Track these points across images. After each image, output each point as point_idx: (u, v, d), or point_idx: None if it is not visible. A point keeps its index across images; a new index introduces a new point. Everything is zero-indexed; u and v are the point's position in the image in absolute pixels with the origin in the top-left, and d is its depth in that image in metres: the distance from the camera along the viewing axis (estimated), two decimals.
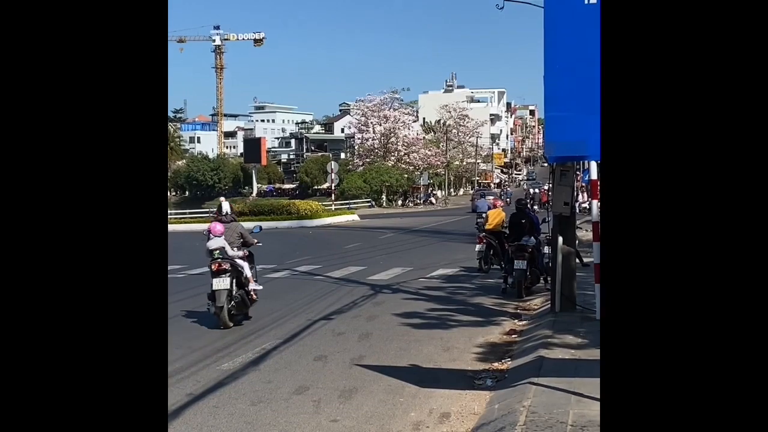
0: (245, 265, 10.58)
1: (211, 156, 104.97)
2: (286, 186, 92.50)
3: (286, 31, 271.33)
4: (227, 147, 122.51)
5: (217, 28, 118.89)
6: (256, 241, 11.01)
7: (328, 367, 7.58)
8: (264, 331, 9.52)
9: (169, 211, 29.62)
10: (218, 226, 10.48)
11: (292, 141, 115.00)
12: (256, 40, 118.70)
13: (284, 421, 5.83)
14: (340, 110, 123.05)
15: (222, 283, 10.04)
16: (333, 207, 50.90)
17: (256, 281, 10.85)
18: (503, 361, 7.65)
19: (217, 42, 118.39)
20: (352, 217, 45.04)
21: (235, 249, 10.49)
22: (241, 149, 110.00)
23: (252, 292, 10.63)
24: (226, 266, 10.18)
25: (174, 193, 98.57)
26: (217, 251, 10.28)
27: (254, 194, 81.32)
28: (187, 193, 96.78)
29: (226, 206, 11.13)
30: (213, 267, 10.21)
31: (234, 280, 10.24)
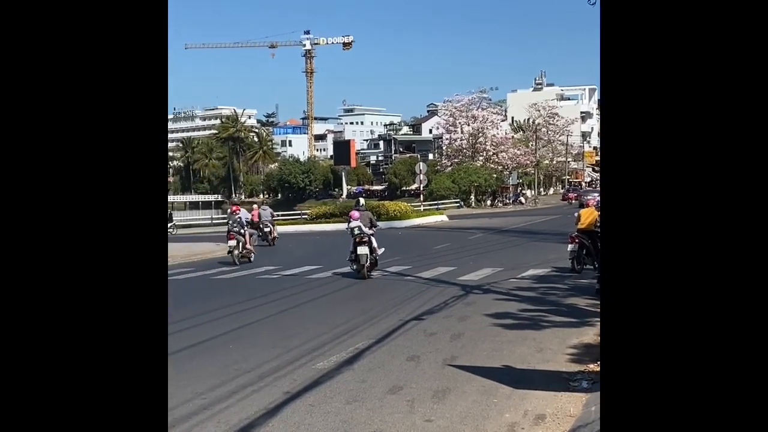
0: (373, 239, 16.17)
1: (302, 159, 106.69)
2: (375, 187, 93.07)
3: (374, 34, 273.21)
4: (317, 150, 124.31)
5: (307, 32, 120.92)
6: (378, 224, 17.70)
7: (420, 367, 7.62)
8: (357, 331, 9.63)
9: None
10: (356, 213, 16.41)
11: (381, 143, 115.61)
12: (345, 44, 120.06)
13: (379, 420, 5.89)
14: (428, 111, 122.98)
15: (363, 250, 15.77)
16: (422, 208, 50.97)
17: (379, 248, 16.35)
18: (599, 362, 7.52)
19: (308, 46, 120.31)
20: (441, 218, 44.94)
21: (366, 228, 16.07)
22: (330, 151, 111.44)
23: (377, 257, 16.39)
24: (365, 239, 15.87)
25: (267, 196, 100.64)
26: (356, 229, 15.92)
27: (344, 196, 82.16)
28: (279, 195, 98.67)
29: (362, 201, 17.99)
30: (356, 239, 15.90)
31: (369, 248, 15.81)
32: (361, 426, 5.77)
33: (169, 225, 39.12)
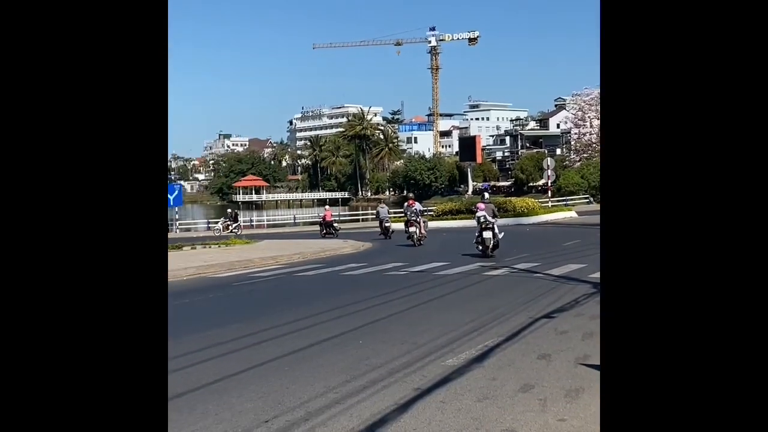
0: (495, 226, 20.37)
1: (427, 155, 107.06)
2: (501, 183, 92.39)
3: (500, 28, 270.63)
4: (443, 146, 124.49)
5: (432, 29, 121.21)
6: (498, 215, 22.17)
7: (552, 366, 7.48)
8: (486, 329, 9.56)
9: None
10: (482, 205, 20.85)
11: (507, 138, 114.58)
12: (470, 39, 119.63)
13: (510, 418, 5.82)
14: (556, 105, 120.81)
15: (488, 234, 20.03)
16: (549, 204, 50.15)
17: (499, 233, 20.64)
18: None
19: (433, 43, 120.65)
20: (570, 214, 44.10)
21: (490, 217, 20.24)
22: (456, 148, 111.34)
23: (498, 241, 20.48)
24: (489, 225, 20.09)
25: (393, 192, 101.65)
26: (482, 217, 20.17)
27: (470, 192, 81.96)
28: (405, 192, 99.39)
29: (487, 195, 23.09)
30: (482, 226, 20.16)
31: (492, 233, 20.05)
32: (493, 423, 5.72)
33: (233, 225, 41.52)
